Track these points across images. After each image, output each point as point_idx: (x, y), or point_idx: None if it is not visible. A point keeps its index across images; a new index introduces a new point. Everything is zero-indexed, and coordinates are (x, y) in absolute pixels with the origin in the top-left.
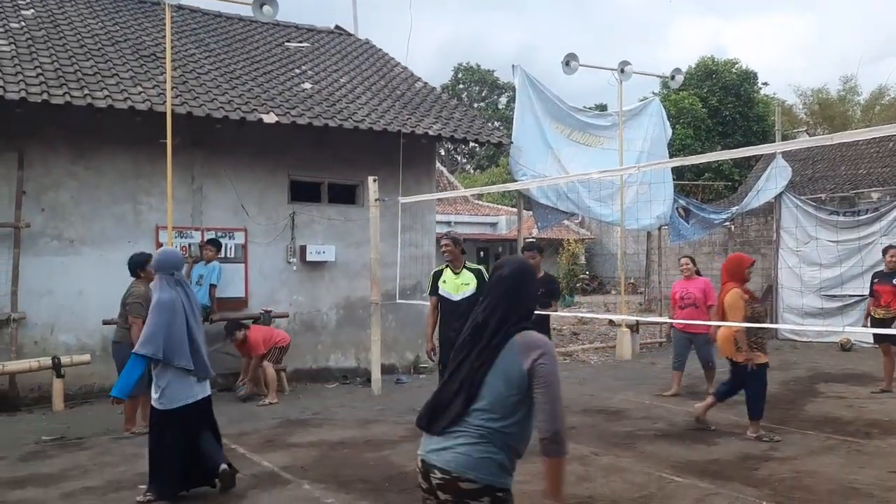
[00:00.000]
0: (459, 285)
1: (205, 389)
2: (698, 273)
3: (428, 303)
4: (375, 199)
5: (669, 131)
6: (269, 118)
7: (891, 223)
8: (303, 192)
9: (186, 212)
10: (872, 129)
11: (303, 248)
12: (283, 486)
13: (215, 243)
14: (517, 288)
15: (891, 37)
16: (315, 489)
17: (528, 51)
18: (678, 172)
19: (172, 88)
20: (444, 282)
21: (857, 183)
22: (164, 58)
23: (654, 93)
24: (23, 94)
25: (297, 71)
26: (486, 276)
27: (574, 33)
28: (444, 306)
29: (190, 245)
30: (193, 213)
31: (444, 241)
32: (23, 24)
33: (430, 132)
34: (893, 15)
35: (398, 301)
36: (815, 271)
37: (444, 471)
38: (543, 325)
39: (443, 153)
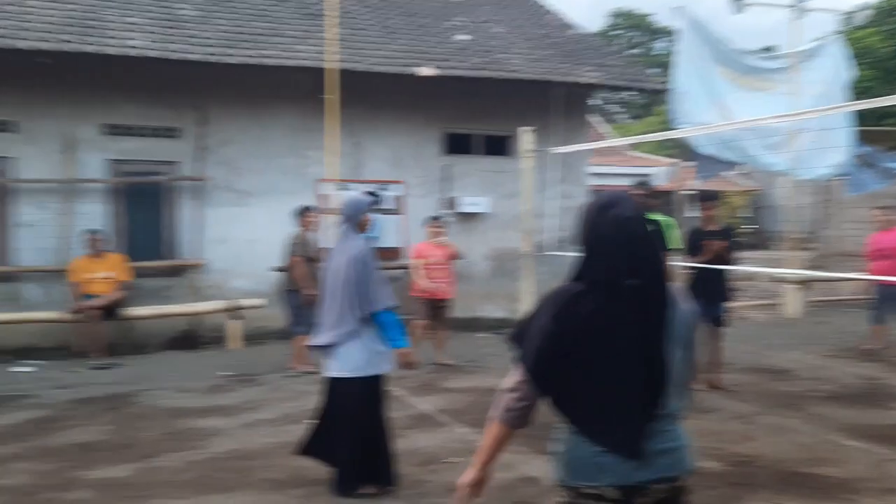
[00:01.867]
0: None
1: None
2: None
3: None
4: (528, 150)
5: (850, 73)
6: (425, 71)
7: None
8: (457, 145)
9: (347, 165)
10: None
11: (456, 200)
12: (438, 428)
13: (373, 196)
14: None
15: None
16: (469, 432)
17: None
18: (859, 118)
19: (334, 44)
20: None
21: None
22: (327, 16)
23: (832, 31)
24: (205, 56)
25: (452, 23)
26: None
27: None
28: None
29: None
30: (354, 166)
31: (635, 192)
32: None
33: (586, 80)
34: None
35: (549, 253)
36: None
37: (667, 479)
38: (721, 282)
39: (599, 102)
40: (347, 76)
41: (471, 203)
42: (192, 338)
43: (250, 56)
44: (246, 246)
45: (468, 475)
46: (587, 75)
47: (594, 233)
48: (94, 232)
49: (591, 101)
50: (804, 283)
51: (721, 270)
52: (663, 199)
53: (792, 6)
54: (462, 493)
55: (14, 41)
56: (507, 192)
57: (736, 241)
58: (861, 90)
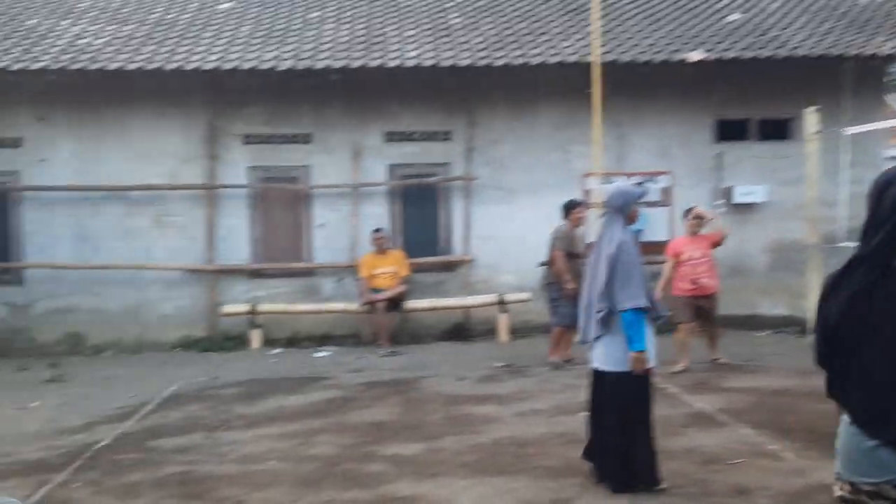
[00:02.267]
0: None
1: None
2: None
3: None
4: (813, 133)
5: None
6: (694, 56)
7: None
8: (729, 131)
9: (611, 157)
10: None
11: (730, 189)
12: (719, 428)
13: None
14: None
15: None
16: (753, 434)
17: None
18: None
19: (598, 38)
20: None
21: None
22: (591, 9)
23: None
24: (474, 60)
25: (723, 2)
26: None
27: None
28: None
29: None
30: (618, 159)
31: None
32: None
33: (881, 52)
34: None
35: (841, 244)
36: None
37: None
38: None
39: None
40: (612, 68)
41: (746, 192)
42: (463, 330)
43: (516, 57)
44: (513, 242)
45: None
46: (883, 46)
47: (871, 210)
48: (378, 231)
49: (890, 75)
50: None
51: None
52: None
53: None
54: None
55: (313, 62)
56: (787, 179)
57: None
58: None
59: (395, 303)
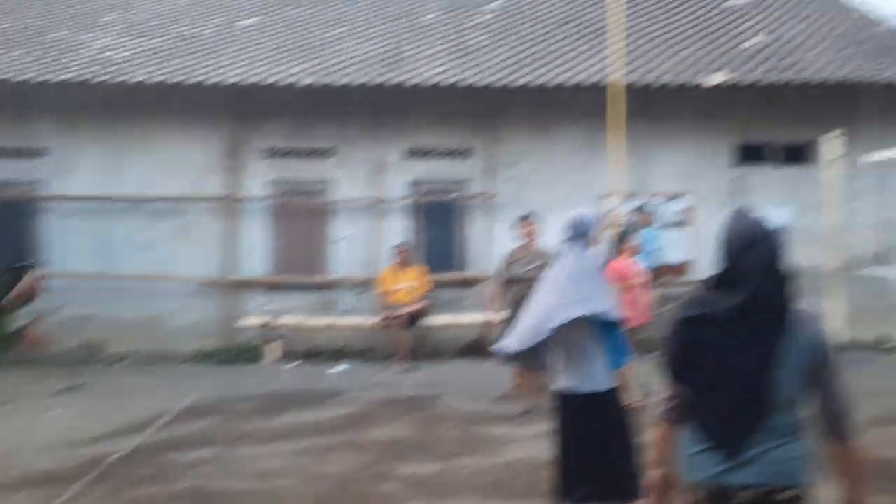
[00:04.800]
0: None
1: None
2: None
3: None
4: (834, 159)
5: None
6: (712, 79)
7: None
8: (751, 154)
9: (633, 178)
10: None
11: (748, 211)
12: None
13: (641, 210)
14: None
15: None
16: None
17: None
18: None
19: (618, 60)
20: None
21: None
22: (611, 32)
23: None
24: (494, 80)
25: (744, 27)
26: None
27: None
28: None
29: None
30: (639, 179)
31: None
32: (490, 17)
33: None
34: None
35: (862, 271)
36: None
37: (757, 485)
38: None
39: None
40: (633, 90)
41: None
42: (482, 347)
43: (535, 78)
44: None
45: (655, 474)
46: None
47: (731, 255)
48: (402, 245)
49: None
50: None
51: None
52: None
53: None
54: (653, 489)
55: (333, 77)
56: (809, 204)
57: None
58: None
59: (414, 318)
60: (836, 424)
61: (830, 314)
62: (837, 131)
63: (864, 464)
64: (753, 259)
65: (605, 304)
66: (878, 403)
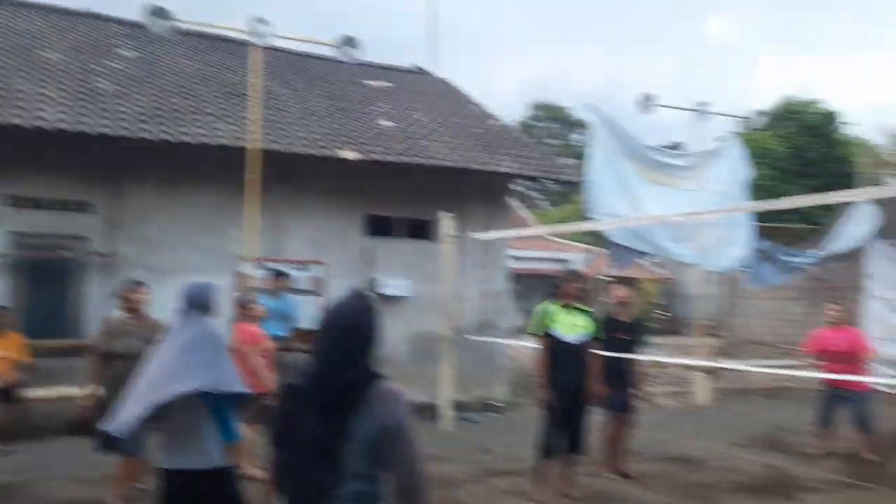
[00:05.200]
0: (573, 325)
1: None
2: (848, 322)
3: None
4: (449, 236)
5: (750, 172)
6: (349, 155)
7: None
8: (379, 227)
9: (267, 244)
10: None
11: (377, 282)
12: None
13: (280, 273)
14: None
15: None
16: None
17: (612, 86)
18: (759, 214)
19: (256, 124)
20: (556, 321)
21: None
22: (250, 95)
23: (734, 132)
24: (121, 131)
25: (376, 108)
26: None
27: (661, 65)
28: (557, 348)
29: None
30: (274, 246)
31: (571, 281)
32: (123, 64)
33: (503, 170)
34: None
35: (469, 337)
36: None
37: None
38: (627, 370)
39: (519, 189)
40: (270, 157)
41: (392, 286)
42: (90, 423)
43: (168, 132)
44: None
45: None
46: (504, 165)
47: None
48: (2, 308)
49: (512, 187)
50: (713, 371)
51: (627, 359)
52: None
53: (695, 109)
54: None
55: None
56: (429, 276)
57: (644, 330)
58: (760, 188)
59: (7, 393)
60: (406, 498)
61: (444, 377)
62: (452, 211)
63: None
64: (330, 335)
65: (220, 375)
66: (484, 459)
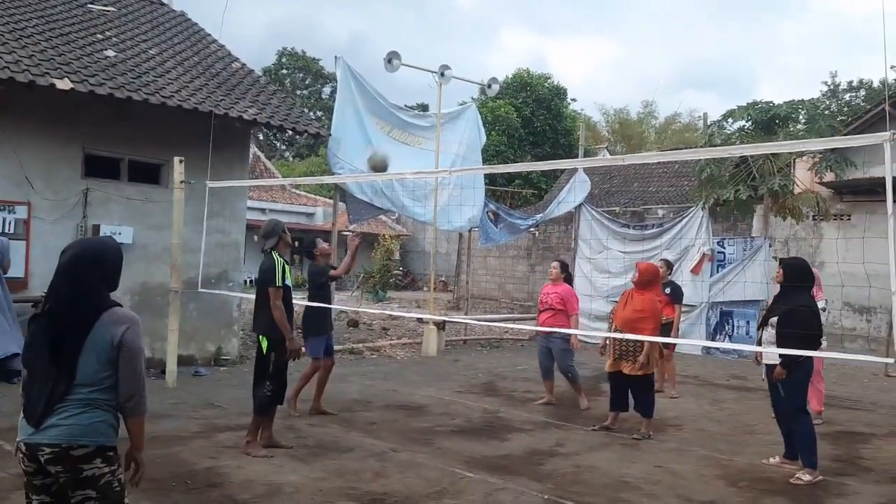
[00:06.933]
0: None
1: None
2: (568, 279)
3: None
4: (181, 182)
5: (484, 137)
6: (63, 84)
7: (672, 238)
8: (100, 168)
9: None
10: (658, 154)
11: (96, 228)
12: None
13: None
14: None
15: (684, 73)
16: None
17: (359, 43)
18: (490, 178)
19: None
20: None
21: (647, 199)
22: None
23: (472, 98)
24: None
25: (100, 36)
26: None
27: (410, 25)
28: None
29: None
30: None
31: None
32: None
33: (245, 116)
34: (690, 53)
35: (200, 290)
36: (605, 278)
37: (53, 445)
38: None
39: (261, 138)
40: None
41: (112, 232)
42: None
43: None
44: None
45: None
46: (247, 112)
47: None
48: None
49: (255, 136)
50: (441, 323)
51: (329, 308)
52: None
53: (437, 72)
54: None
55: None
56: (156, 224)
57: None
58: (493, 153)
59: None
60: (126, 403)
61: (171, 331)
62: (185, 156)
63: (144, 432)
64: (64, 269)
65: None
66: (209, 414)
